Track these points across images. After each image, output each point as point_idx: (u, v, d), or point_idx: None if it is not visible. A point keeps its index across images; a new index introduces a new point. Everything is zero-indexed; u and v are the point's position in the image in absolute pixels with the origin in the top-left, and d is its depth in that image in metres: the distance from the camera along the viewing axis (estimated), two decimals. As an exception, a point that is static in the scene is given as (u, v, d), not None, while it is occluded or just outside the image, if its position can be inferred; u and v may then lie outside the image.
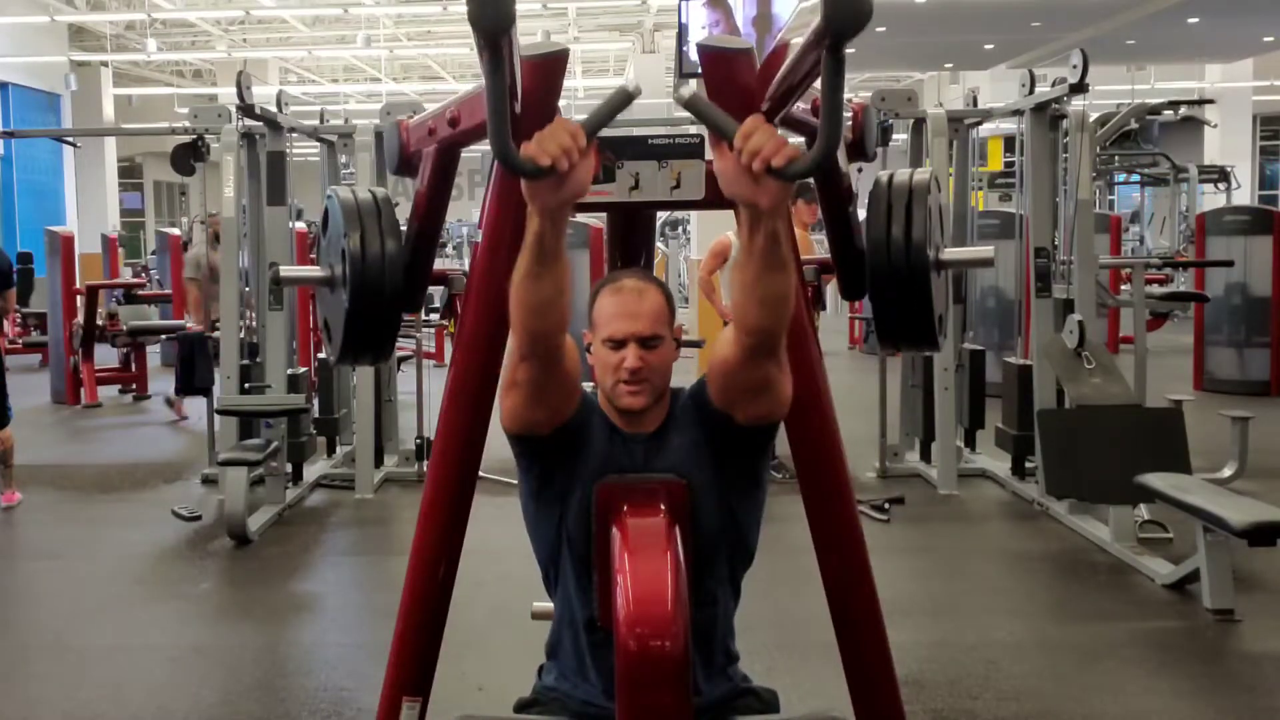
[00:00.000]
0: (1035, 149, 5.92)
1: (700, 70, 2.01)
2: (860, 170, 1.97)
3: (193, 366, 6.47)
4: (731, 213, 2.04)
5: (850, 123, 2.21)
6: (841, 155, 2.16)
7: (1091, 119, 6.20)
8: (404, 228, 2.19)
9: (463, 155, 2.37)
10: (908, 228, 1.82)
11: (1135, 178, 16.46)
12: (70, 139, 11.53)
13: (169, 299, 11.40)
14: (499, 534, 4.02)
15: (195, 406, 7.01)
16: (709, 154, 2.05)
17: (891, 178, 1.88)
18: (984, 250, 2.08)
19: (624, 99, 1.66)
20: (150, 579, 5.04)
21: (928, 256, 1.83)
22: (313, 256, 8.17)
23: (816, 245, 7.99)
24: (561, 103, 2.14)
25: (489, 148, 1.59)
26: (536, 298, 1.72)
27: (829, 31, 1.44)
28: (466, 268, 2.21)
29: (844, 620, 2.19)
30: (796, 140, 1.82)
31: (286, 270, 2.04)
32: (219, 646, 4.18)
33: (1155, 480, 4.50)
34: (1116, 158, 14.59)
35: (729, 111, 1.99)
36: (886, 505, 5.75)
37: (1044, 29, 13.91)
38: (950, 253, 1.93)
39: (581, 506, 1.96)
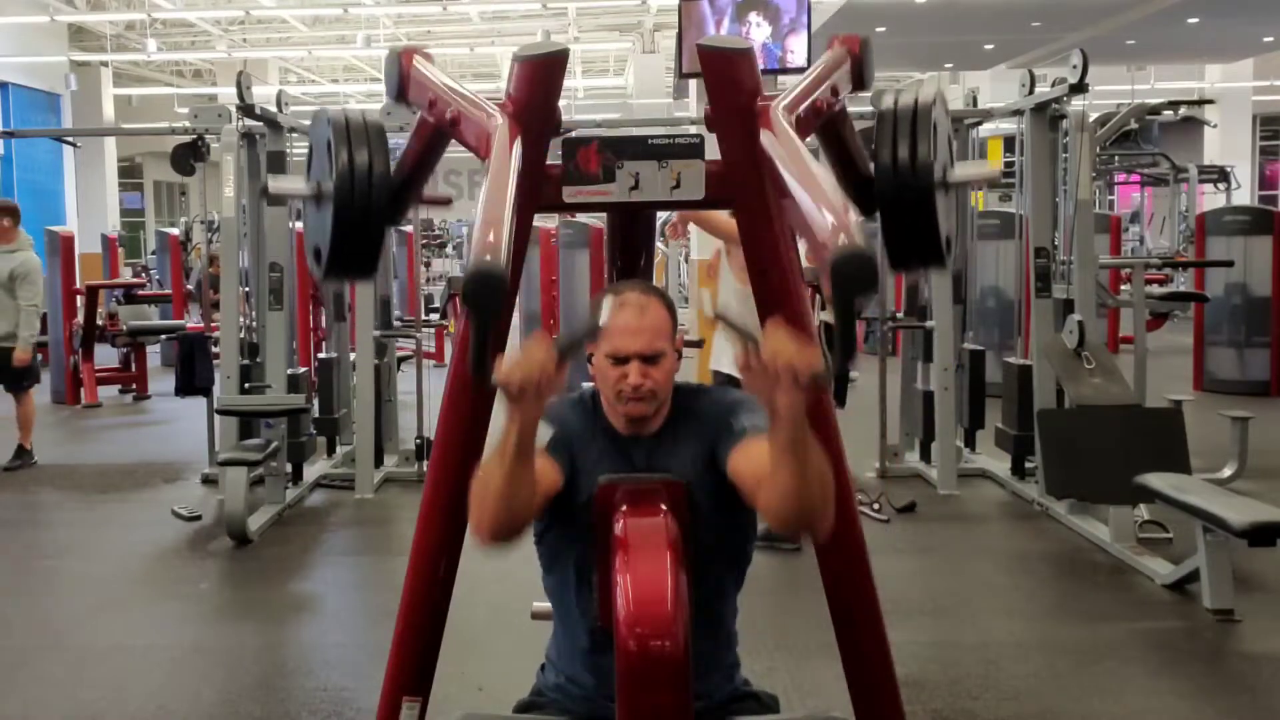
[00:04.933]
0: (1035, 149, 5.92)
1: (700, 70, 2.01)
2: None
3: (193, 366, 6.46)
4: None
5: (850, 56, 2.21)
6: (845, 86, 2.16)
7: (1091, 119, 6.20)
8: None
9: (464, 155, 2.37)
10: (913, 147, 1.82)
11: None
12: (70, 139, 11.49)
13: (169, 299, 11.42)
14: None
15: (195, 406, 6.99)
16: (709, 154, 2.05)
17: (897, 99, 1.87)
18: (991, 168, 2.09)
19: (594, 330, 1.89)
20: (150, 579, 5.04)
21: (933, 175, 1.82)
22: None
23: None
24: (562, 102, 2.14)
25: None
26: (518, 497, 1.78)
27: (835, 291, 1.55)
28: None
29: (844, 620, 2.19)
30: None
31: (275, 183, 2.09)
32: (219, 646, 4.18)
33: (1155, 480, 4.50)
34: (1116, 158, 14.58)
35: (729, 111, 2.00)
36: (878, 509, 5.74)
37: (1044, 29, 13.90)
38: (957, 172, 1.92)
39: (582, 514, 1.96)
